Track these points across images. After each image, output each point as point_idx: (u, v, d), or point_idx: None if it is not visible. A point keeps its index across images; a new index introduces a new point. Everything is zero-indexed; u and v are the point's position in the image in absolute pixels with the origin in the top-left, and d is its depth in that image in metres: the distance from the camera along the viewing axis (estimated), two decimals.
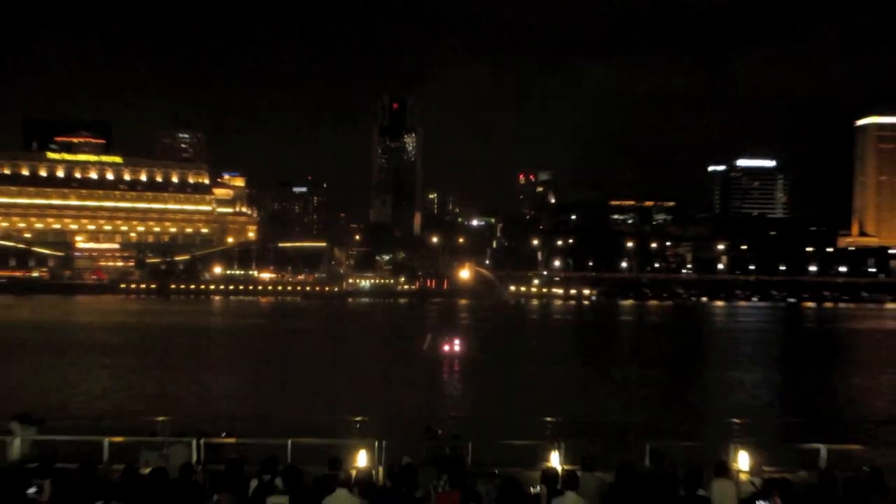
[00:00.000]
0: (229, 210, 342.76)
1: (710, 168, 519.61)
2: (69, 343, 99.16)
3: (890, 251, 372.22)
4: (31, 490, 12.57)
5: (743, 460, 21.03)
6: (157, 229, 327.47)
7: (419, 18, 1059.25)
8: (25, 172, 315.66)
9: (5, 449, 21.89)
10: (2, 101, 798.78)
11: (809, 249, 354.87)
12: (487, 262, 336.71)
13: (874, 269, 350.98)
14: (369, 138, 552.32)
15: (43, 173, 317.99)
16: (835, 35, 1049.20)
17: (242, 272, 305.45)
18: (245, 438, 23.70)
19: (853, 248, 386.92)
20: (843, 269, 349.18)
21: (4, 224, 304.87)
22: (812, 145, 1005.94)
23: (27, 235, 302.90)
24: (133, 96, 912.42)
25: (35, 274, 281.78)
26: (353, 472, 17.64)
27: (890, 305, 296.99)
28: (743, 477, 18.25)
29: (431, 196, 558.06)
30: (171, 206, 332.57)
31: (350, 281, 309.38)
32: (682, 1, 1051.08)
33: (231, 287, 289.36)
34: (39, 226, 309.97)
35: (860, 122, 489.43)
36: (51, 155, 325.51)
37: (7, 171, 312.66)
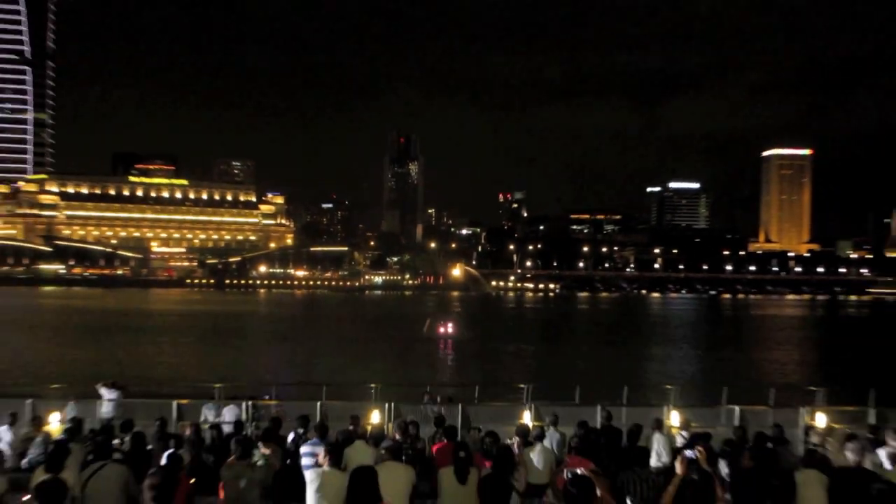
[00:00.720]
0: (272, 222, 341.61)
1: (648, 189, 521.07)
2: (146, 325, 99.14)
3: (789, 254, 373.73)
4: (116, 441, 12.52)
5: (675, 418, 21.05)
6: (214, 237, 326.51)
7: (421, 76, 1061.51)
8: (112, 192, 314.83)
9: (97, 409, 21.87)
10: (95, 136, 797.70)
11: (726, 253, 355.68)
12: (474, 262, 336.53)
13: (777, 269, 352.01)
14: (382, 166, 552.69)
15: (126, 193, 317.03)
16: (745, 84, 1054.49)
17: (282, 270, 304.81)
18: (284, 400, 23.70)
19: (760, 252, 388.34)
20: (752, 268, 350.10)
21: (95, 232, 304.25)
22: (728, 171, 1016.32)
23: (114, 241, 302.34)
24: (197, 131, 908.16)
25: (119, 272, 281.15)
26: (369, 428, 17.61)
27: (789, 297, 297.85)
28: (674, 431, 18.25)
29: (430, 211, 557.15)
30: (226, 219, 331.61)
31: (366, 277, 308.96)
32: (626, 60, 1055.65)
33: (273, 282, 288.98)
34: (123, 234, 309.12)
35: (765, 153, 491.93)
36: (132, 178, 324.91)
37: (98, 191, 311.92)
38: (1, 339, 74.78)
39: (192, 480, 10.26)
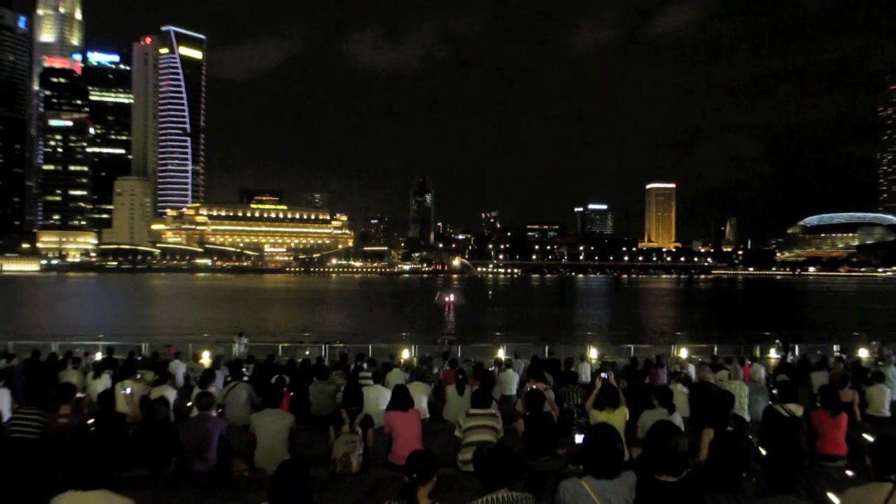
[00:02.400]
0: (339, 232, 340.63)
1: (575, 209, 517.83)
2: (261, 297, 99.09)
3: (663, 250, 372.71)
4: (244, 369, 12.49)
5: (593, 352, 20.98)
6: (303, 241, 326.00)
7: (433, 139, 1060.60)
8: (240, 214, 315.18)
9: (232, 349, 21.87)
10: (229, 178, 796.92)
11: (624, 249, 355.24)
12: (466, 256, 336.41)
13: (655, 259, 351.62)
14: (408, 196, 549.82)
15: (248, 214, 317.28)
16: (635, 144, 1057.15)
17: (346, 262, 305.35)
18: (347, 343, 23.71)
19: (645, 248, 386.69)
20: (640, 258, 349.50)
21: (230, 239, 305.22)
22: (625, 197, 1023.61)
23: (241, 245, 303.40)
24: (294, 175, 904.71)
25: (245, 264, 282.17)
26: (402, 360, 17.59)
27: (663, 276, 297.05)
28: (592, 361, 18.20)
29: (439, 224, 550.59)
30: (310, 230, 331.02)
31: (399, 266, 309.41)
32: (560, 127, 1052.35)
33: (340, 270, 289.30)
34: (247, 240, 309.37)
35: (648, 186, 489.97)
36: (252, 206, 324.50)
37: (231, 214, 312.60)
38: (173, 306, 75.00)
39: (291, 394, 10.25)
